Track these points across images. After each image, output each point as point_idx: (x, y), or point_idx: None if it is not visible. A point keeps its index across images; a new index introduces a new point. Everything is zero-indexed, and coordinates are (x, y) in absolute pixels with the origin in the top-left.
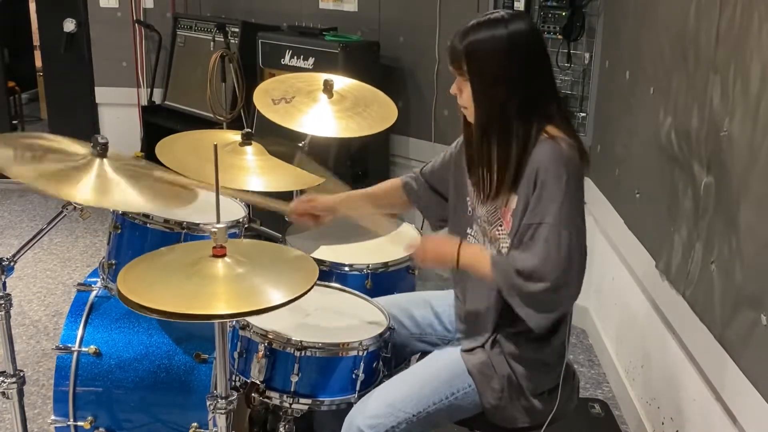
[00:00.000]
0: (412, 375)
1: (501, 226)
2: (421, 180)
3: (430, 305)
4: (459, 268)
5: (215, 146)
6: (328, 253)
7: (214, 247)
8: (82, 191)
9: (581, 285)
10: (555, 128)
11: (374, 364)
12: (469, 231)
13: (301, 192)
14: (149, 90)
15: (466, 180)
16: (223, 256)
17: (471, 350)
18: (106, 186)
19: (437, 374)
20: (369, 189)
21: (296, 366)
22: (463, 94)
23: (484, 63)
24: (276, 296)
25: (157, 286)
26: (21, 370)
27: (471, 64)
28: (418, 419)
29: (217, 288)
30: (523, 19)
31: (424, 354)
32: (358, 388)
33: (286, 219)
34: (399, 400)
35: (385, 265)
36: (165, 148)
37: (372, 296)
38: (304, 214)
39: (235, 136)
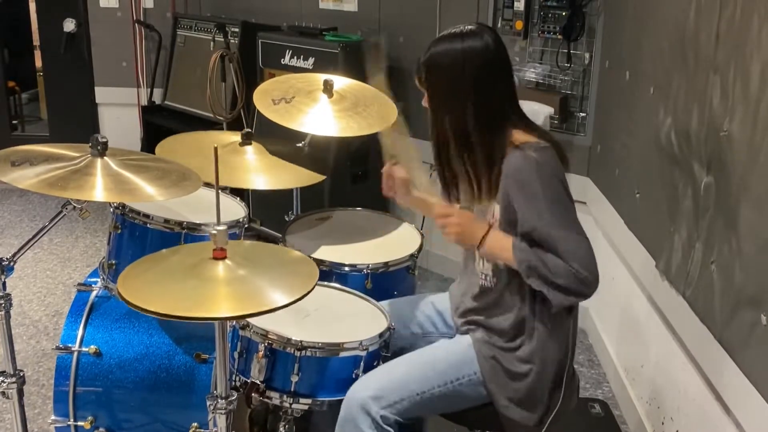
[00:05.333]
0: (421, 355)
1: None
2: None
3: (432, 304)
4: (480, 250)
5: (215, 148)
6: (328, 253)
7: (214, 250)
8: (99, 190)
9: (595, 269)
10: (523, 133)
11: (374, 364)
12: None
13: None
14: (149, 90)
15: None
16: (224, 258)
17: (481, 340)
18: (119, 183)
19: (446, 357)
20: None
21: (296, 366)
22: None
23: (439, 76)
24: (277, 298)
25: (158, 289)
26: (21, 370)
27: (428, 77)
28: (422, 399)
29: (218, 290)
30: (483, 34)
31: None
32: None
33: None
34: (404, 377)
35: (385, 265)
36: (165, 149)
37: (372, 296)
38: (391, 175)
39: (235, 137)
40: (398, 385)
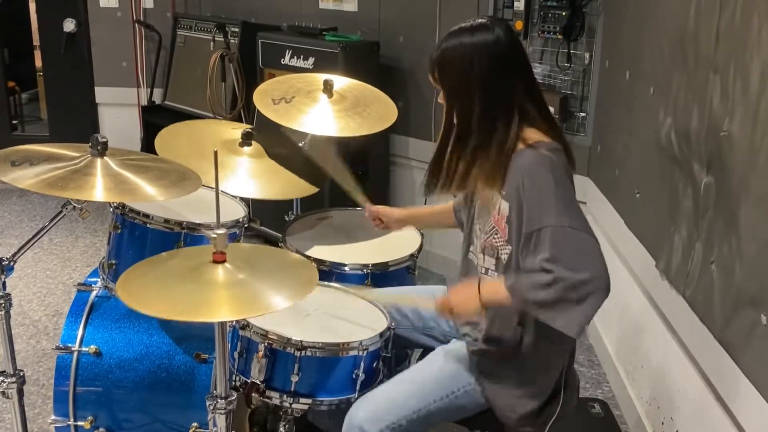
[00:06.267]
0: (414, 373)
1: (497, 234)
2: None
3: (434, 299)
4: (484, 308)
5: (215, 152)
6: (328, 253)
7: (214, 253)
8: (99, 190)
9: (605, 270)
10: (536, 132)
11: (374, 364)
12: (471, 249)
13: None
14: (149, 90)
15: (473, 200)
16: (223, 261)
17: (477, 349)
18: (119, 183)
19: (440, 372)
20: (429, 207)
21: (296, 366)
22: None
23: (450, 71)
24: (276, 302)
25: (157, 292)
26: (21, 370)
27: (439, 72)
28: (419, 416)
29: (218, 294)
30: (494, 27)
31: (425, 350)
32: (358, 387)
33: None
34: (401, 396)
35: (385, 265)
36: (165, 139)
37: None
38: (375, 215)
39: (235, 131)
40: (395, 406)
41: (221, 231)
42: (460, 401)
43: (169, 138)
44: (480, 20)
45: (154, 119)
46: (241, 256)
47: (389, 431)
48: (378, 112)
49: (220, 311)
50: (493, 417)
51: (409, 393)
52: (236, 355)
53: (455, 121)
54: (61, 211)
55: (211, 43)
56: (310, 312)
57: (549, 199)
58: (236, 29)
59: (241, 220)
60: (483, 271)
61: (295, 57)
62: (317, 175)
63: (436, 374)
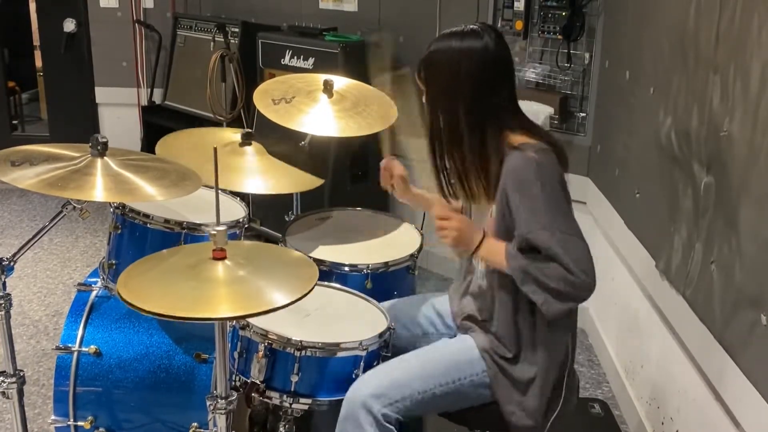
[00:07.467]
0: (423, 354)
1: None
2: None
3: (432, 305)
4: (474, 255)
5: (215, 149)
6: (328, 253)
7: (214, 250)
8: (99, 190)
9: (593, 274)
10: (522, 136)
11: (374, 364)
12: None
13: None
14: (149, 90)
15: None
16: (223, 258)
17: (483, 346)
18: (119, 183)
19: (449, 356)
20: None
21: (296, 366)
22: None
23: (436, 73)
24: (277, 299)
25: (158, 289)
26: (21, 370)
27: (426, 74)
28: (423, 398)
29: (218, 291)
30: (484, 35)
31: None
32: None
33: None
34: (407, 375)
35: (385, 265)
36: (165, 146)
37: (372, 296)
38: (389, 169)
39: (236, 135)
40: (400, 384)
41: (221, 227)
42: (465, 389)
43: (169, 144)
44: (471, 26)
45: (154, 119)
46: (241, 253)
47: (393, 409)
48: (378, 112)
49: (220, 308)
50: (494, 413)
51: (416, 373)
52: (236, 355)
53: (436, 123)
54: (61, 211)
55: (211, 44)
56: (310, 312)
57: (535, 204)
58: (236, 29)
59: (241, 220)
60: (479, 275)
61: (295, 57)
62: (319, 168)
63: (444, 358)
